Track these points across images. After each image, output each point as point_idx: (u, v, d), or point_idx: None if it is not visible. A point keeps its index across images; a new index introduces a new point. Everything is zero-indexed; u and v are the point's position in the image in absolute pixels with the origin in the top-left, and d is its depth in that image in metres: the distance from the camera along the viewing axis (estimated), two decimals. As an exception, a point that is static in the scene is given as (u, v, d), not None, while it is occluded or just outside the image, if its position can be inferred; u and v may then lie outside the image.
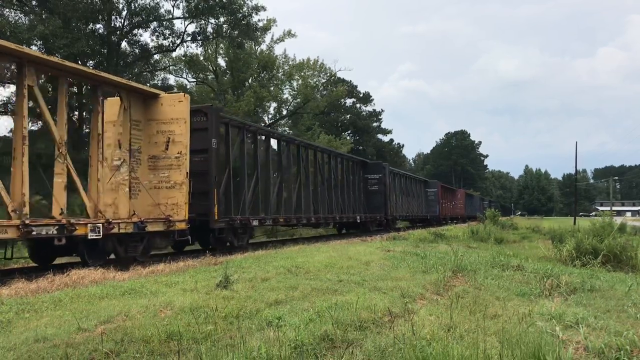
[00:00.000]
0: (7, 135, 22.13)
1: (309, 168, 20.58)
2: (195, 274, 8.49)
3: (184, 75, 41.66)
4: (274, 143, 18.40)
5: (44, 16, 23.98)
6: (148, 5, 28.64)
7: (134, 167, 11.67)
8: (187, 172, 12.05)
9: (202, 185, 13.36)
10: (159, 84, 33.57)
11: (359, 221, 25.35)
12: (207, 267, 9.69)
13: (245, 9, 30.25)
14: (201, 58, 39.82)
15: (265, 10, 33.58)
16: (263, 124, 37.18)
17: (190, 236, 13.16)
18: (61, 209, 9.60)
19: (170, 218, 11.69)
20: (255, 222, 15.70)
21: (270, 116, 45.41)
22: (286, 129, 47.09)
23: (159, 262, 10.35)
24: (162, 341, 4.53)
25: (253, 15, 30.73)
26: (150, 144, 12.20)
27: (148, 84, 30.22)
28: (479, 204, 74.39)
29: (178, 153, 12.07)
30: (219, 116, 14.33)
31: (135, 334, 4.65)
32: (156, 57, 34.10)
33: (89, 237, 9.66)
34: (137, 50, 30.40)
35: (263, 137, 17.42)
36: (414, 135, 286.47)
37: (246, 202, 15.51)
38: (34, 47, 23.50)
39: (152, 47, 31.06)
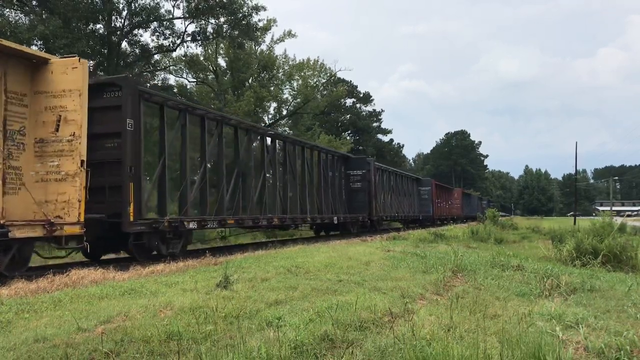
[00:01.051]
0: None
1: (276, 162, 18.18)
2: (195, 274, 8.49)
3: (184, 75, 41.74)
4: (229, 131, 15.61)
5: (44, 16, 23.98)
6: (148, 5, 28.65)
7: (11, 153, 9.04)
8: (81, 160, 9.41)
9: (115, 178, 10.73)
10: (159, 84, 33.59)
11: (336, 222, 22.52)
12: (207, 267, 9.69)
13: (245, 9, 30.27)
14: (201, 58, 39.84)
15: (265, 10, 33.61)
16: (263, 124, 37.14)
17: (110, 241, 11.09)
18: None
19: (56, 220, 9.08)
20: (192, 225, 12.74)
21: (270, 116, 45.48)
22: (286, 129, 47.12)
23: (159, 262, 10.35)
24: (162, 341, 4.53)
25: (253, 15, 30.76)
26: (38, 123, 9.51)
27: (148, 84, 30.26)
28: (477, 203, 72.26)
29: (70, 135, 9.41)
30: (140, 92, 11.41)
31: (135, 334, 4.65)
32: (156, 57, 34.12)
33: None
34: (137, 51, 30.40)
35: (214, 123, 14.53)
36: (414, 135, 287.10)
37: (187, 200, 12.84)
38: (34, 47, 23.53)
39: (152, 47, 31.08)
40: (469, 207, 62.95)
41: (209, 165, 14.20)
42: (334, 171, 23.61)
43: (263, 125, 35.32)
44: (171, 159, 12.65)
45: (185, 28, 31.16)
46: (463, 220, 53.00)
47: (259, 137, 17.65)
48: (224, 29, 31.06)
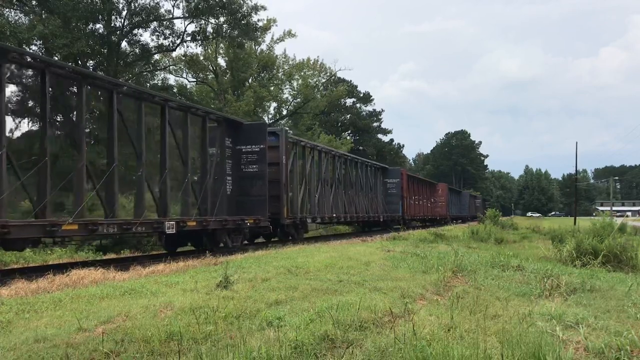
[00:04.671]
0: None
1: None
2: (195, 274, 8.49)
3: (184, 75, 41.78)
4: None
5: (43, 16, 23.99)
6: (148, 5, 28.68)
7: None
8: None
9: None
10: (159, 84, 33.59)
11: (172, 231, 11.91)
12: (207, 267, 9.69)
13: (245, 8, 30.30)
14: (201, 58, 39.89)
15: (265, 9, 33.64)
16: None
17: None
18: None
19: None
20: None
21: (270, 116, 45.48)
22: (286, 129, 47.10)
23: (159, 262, 10.36)
24: (162, 341, 4.53)
25: (253, 15, 30.79)
26: None
27: (148, 84, 30.30)
28: (469, 202, 63.64)
29: None
30: None
31: (135, 334, 4.65)
32: (156, 57, 34.14)
33: None
34: (137, 50, 30.42)
35: None
36: (414, 135, 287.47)
37: None
38: (33, 47, 23.54)
39: (152, 47, 31.11)
40: (458, 206, 54.95)
41: None
42: (210, 146, 14.57)
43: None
44: None
45: (185, 28, 31.24)
46: (446, 222, 44.25)
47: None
48: (224, 29, 31.10)
